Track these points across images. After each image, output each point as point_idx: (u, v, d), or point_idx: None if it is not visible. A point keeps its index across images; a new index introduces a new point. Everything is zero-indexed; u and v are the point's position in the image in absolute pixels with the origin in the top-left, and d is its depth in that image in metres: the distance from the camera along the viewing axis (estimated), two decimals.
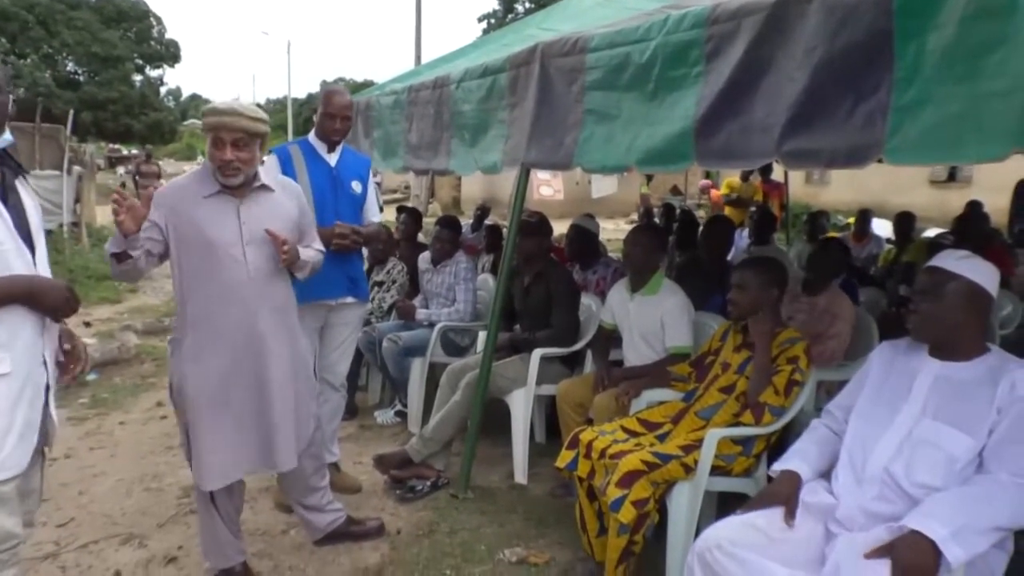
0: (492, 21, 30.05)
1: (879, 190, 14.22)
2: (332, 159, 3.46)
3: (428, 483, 3.64)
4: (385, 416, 4.73)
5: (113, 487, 3.71)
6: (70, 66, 28.73)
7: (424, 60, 22.28)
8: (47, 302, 1.91)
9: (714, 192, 15.36)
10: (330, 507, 3.08)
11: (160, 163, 18.32)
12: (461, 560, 3.02)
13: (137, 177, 15.36)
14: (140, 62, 31.62)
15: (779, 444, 2.88)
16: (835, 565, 1.96)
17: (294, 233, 2.72)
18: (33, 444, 1.93)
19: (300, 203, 2.83)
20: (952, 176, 15.63)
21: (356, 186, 3.50)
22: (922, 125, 1.82)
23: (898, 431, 2.12)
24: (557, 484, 3.68)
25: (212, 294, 2.54)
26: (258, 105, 2.86)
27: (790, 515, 2.15)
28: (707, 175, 16.34)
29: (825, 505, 2.16)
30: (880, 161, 1.96)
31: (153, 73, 33.20)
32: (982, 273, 2.09)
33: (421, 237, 5.98)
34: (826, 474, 2.29)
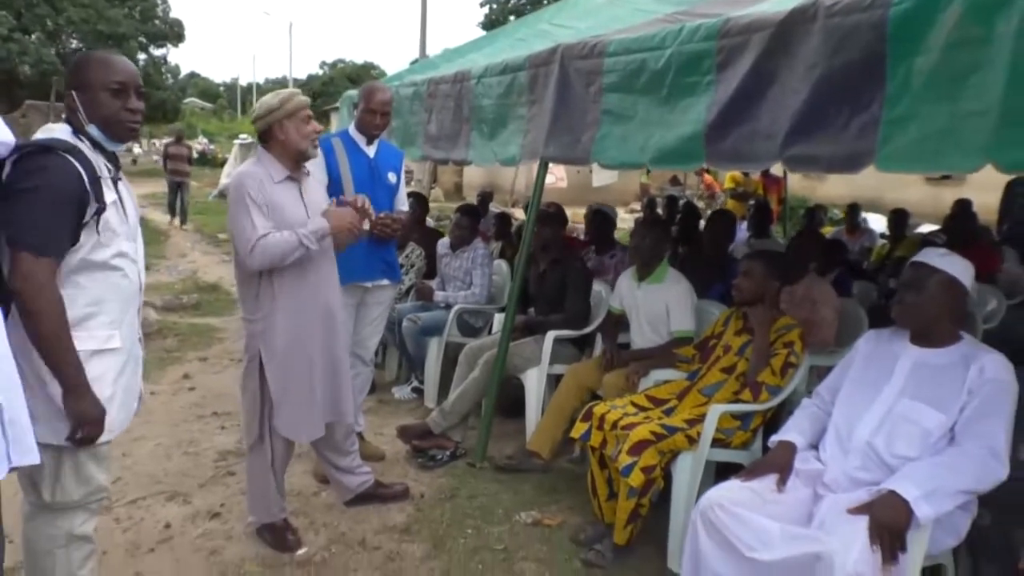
0: (494, 5, 30.20)
1: (875, 186, 14.43)
2: (371, 151, 3.70)
3: (447, 453, 3.92)
4: (402, 392, 5.00)
5: (153, 451, 3.98)
6: (75, 43, 28.68)
7: (428, 44, 22.45)
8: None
9: (706, 176, 15.83)
10: (360, 470, 3.35)
11: (190, 144, 17.97)
12: (481, 521, 3.30)
13: (167, 160, 14.57)
14: (144, 41, 31.51)
15: (773, 421, 3.17)
16: (821, 521, 2.25)
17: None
18: (132, 409, 2.22)
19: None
20: (946, 175, 15.85)
21: (391, 177, 3.74)
22: (909, 137, 2.07)
23: (880, 408, 2.40)
24: (515, 453, 3.92)
25: (296, 271, 2.82)
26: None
27: (782, 482, 2.43)
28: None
29: (814, 471, 2.44)
30: None
31: (157, 52, 33.15)
32: (959, 268, 2.37)
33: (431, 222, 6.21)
34: (815, 445, 2.57)
